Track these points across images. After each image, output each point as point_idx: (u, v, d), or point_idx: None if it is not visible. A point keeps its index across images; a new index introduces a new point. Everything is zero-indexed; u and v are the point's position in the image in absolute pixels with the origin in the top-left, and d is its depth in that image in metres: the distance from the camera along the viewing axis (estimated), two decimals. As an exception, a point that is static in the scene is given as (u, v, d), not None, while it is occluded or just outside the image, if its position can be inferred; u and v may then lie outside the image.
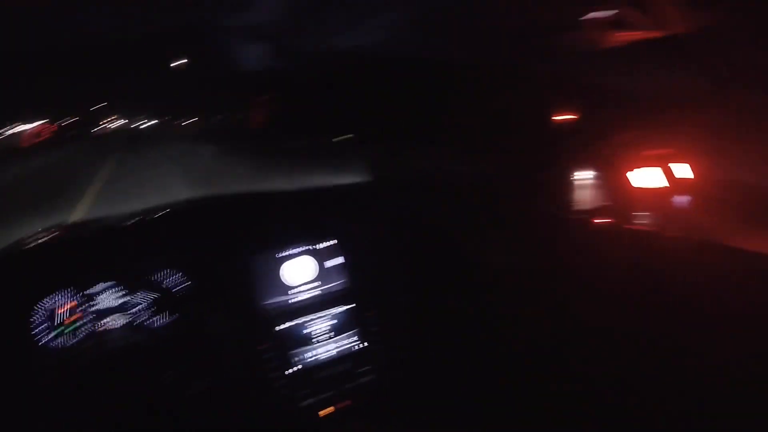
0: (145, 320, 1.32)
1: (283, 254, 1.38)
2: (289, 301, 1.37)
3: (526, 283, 1.47)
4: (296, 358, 1.32)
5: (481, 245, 1.58)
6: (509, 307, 1.50)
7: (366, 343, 1.37)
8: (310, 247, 1.41)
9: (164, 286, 1.31)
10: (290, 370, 1.30)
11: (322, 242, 1.42)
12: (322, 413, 1.29)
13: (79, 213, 7.64)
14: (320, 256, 1.41)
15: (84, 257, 1.32)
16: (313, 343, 1.34)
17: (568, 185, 1.76)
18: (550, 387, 1.34)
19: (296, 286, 1.38)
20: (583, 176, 1.74)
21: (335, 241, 1.43)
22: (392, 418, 1.35)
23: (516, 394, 1.38)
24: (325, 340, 1.35)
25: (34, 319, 1.22)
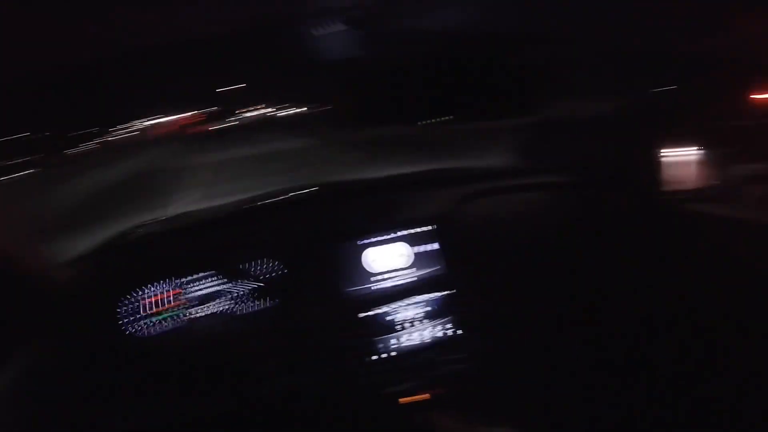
0: (240, 309, 1.35)
1: (368, 241, 1.36)
2: (373, 288, 1.35)
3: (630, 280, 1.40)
4: (380, 345, 1.30)
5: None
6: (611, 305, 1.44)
7: (461, 331, 1.34)
8: (402, 233, 1.38)
9: (258, 275, 1.33)
10: (373, 357, 1.30)
11: (415, 228, 1.39)
12: (403, 401, 1.28)
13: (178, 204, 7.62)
14: (413, 242, 1.38)
15: (182, 248, 1.36)
16: (400, 330, 1.32)
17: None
18: (648, 390, 1.30)
19: (383, 273, 1.36)
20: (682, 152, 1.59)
21: (430, 228, 1.39)
22: (478, 410, 1.31)
23: (610, 396, 1.33)
24: (414, 327, 1.32)
25: (135, 307, 1.27)
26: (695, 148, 1.52)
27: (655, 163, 1.56)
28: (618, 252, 1.47)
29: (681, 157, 1.56)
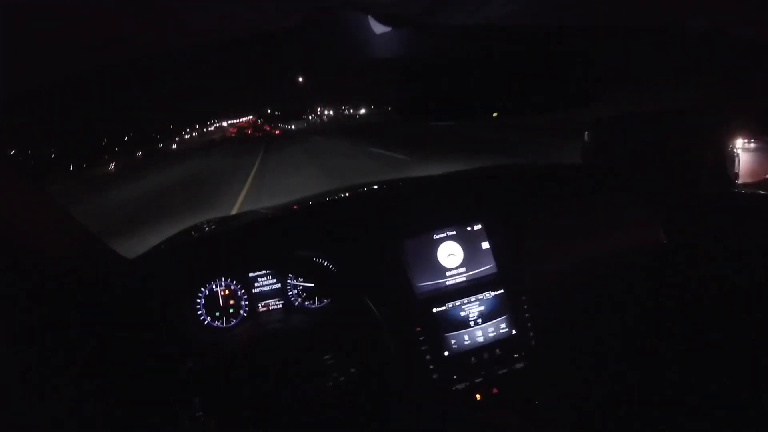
0: (302, 304, 1.39)
1: (439, 236, 1.38)
2: (446, 284, 1.36)
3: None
4: (452, 341, 1.32)
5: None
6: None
7: (515, 330, 1.35)
8: (459, 231, 1.39)
9: (320, 271, 1.33)
10: (445, 353, 1.30)
11: (468, 226, 1.40)
12: (477, 397, 1.29)
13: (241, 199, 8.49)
14: (467, 240, 1.40)
15: (244, 245, 1.39)
16: (467, 326, 1.33)
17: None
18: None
19: (451, 269, 1.37)
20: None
21: (481, 226, 1.40)
22: (538, 407, 1.31)
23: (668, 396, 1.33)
24: (477, 324, 1.34)
25: (197, 303, 1.32)
26: None
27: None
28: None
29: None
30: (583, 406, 1.39)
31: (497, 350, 1.33)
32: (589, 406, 1.40)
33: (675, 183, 1.58)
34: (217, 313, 1.34)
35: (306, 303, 1.40)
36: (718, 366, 1.37)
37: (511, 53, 1.12)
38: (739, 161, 1.52)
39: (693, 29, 1.32)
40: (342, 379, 1.26)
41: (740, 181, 1.52)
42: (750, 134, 1.52)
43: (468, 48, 1.27)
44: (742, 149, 1.52)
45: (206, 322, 1.33)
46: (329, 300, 1.38)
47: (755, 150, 1.52)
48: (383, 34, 1.44)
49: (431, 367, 1.29)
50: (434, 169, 1.84)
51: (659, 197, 1.56)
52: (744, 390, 1.31)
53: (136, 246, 1.44)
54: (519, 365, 1.33)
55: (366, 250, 1.35)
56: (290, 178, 10.74)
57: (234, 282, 1.37)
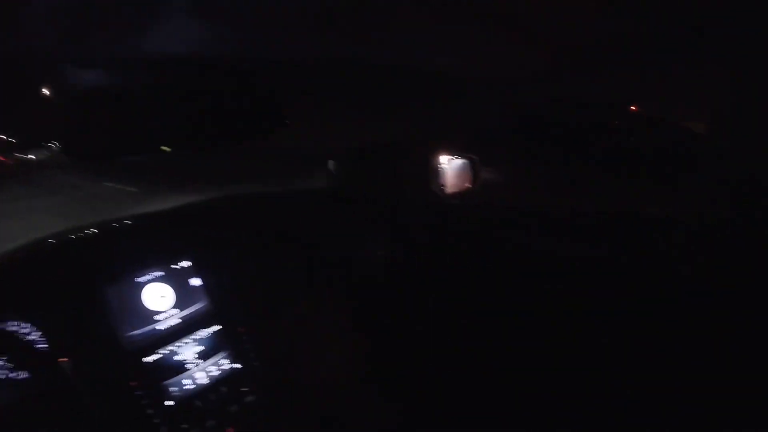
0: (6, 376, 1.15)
1: (145, 278, 1.28)
2: (156, 328, 1.27)
3: None
4: (172, 388, 1.23)
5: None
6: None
7: (239, 365, 1.31)
8: (165, 271, 1.32)
9: (18, 344, 1.16)
10: (168, 402, 1.21)
11: (176, 264, 1.33)
12: None
13: None
14: (176, 280, 1.33)
15: None
16: (186, 369, 1.26)
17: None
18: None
19: (160, 312, 1.29)
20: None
21: (189, 263, 1.34)
22: None
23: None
24: (197, 365, 1.27)
25: None
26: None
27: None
28: None
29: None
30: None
31: (223, 388, 1.28)
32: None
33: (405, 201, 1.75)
34: None
35: (9, 380, 1.15)
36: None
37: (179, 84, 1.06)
38: (444, 174, 1.76)
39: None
40: None
41: (447, 191, 1.76)
42: (452, 152, 1.78)
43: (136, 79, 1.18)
44: (447, 165, 1.77)
45: None
46: (33, 372, 1.15)
47: (456, 165, 1.79)
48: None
49: (156, 421, 1.19)
50: (165, 203, 1.67)
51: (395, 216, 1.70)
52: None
53: None
54: (250, 398, 1.29)
55: (64, 304, 1.19)
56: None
57: None
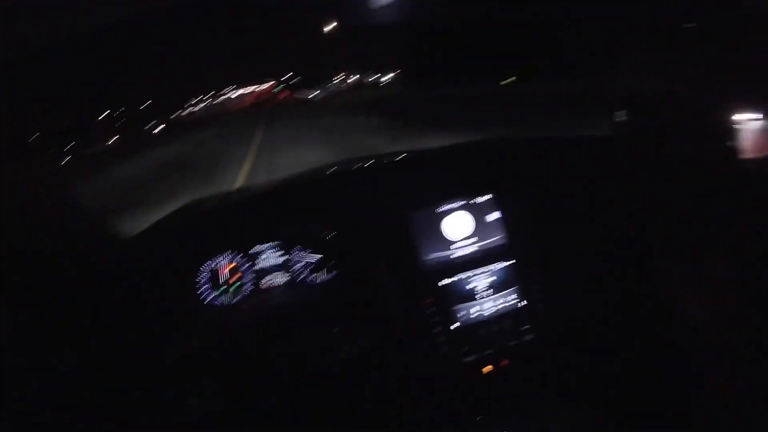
0: (307, 277, 1.36)
1: (443, 209, 1.36)
2: (451, 256, 1.35)
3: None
4: (459, 314, 1.30)
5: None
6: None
7: (525, 301, 1.33)
8: (468, 202, 1.37)
9: (324, 244, 1.32)
10: (453, 326, 1.29)
11: (478, 197, 1.37)
12: (484, 370, 1.29)
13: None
14: (477, 211, 1.37)
15: (246, 220, 1.37)
16: (475, 299, 1.32)
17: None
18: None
19: (457, 241, 1.35)
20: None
21: (491, 196, 1.38)
22: (547, 382, 1.32)
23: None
24: (486, 296, 1.32)
25: (200, 280, 1.30)
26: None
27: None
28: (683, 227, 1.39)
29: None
30: (590, 381, 1.38)
31: (507, 321, 1.33)
32: (597, 380, 1.39)
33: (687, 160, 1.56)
34: (221, 290, 1.32)
35: (311, 276, 1.38)
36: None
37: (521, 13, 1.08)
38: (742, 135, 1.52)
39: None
40: (351, 352, 1.26)
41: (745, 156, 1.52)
42: (755, 110, 1.52)
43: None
44: (747, 125, 1.52)
45: (209, 300, 1.31)
46: (335, 272, 1.37)
47: (758, 126, 1.52)
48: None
49: (440, 339, 1.29)
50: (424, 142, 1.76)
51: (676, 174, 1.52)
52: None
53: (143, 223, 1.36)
54: (528, 337, 1.33)
55: (372, 222, 1.33)
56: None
57: (236, 257, 1.35)
